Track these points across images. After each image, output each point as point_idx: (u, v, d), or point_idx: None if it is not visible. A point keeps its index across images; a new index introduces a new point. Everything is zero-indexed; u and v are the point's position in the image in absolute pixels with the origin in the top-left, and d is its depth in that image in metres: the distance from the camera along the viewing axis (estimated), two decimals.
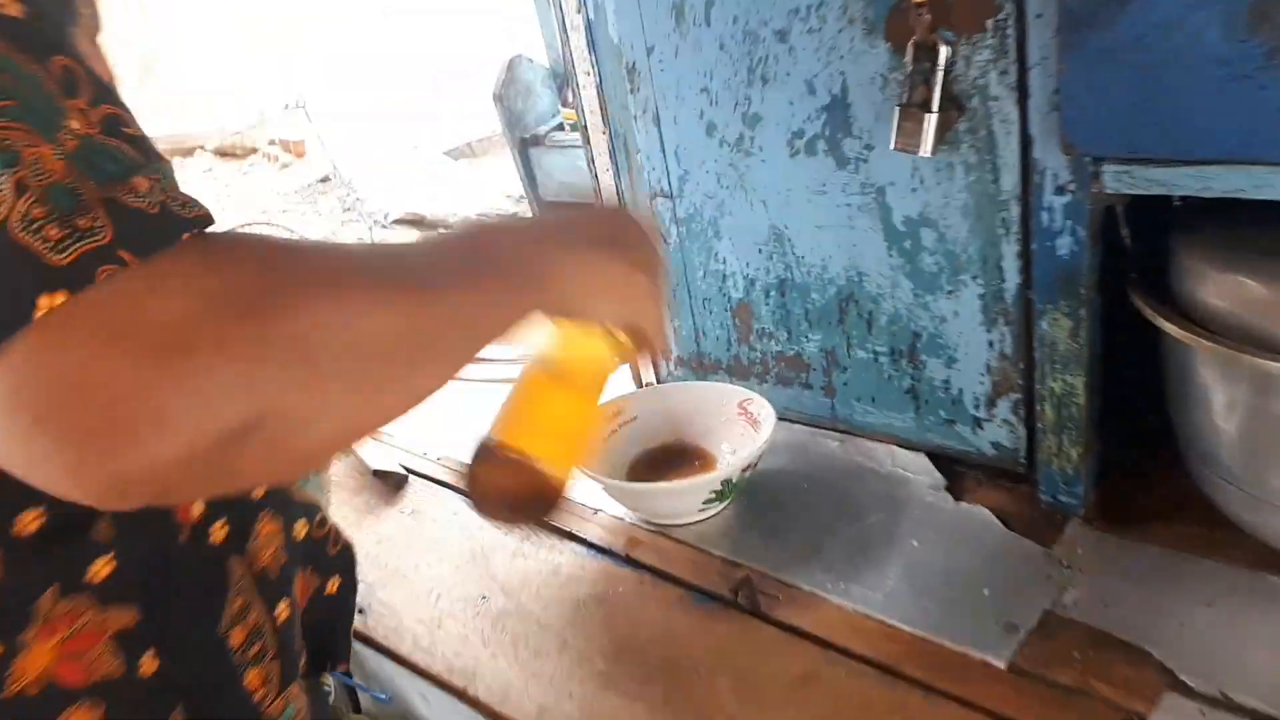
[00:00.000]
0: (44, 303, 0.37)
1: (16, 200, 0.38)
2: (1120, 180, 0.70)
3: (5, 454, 0.40)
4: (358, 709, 1.22)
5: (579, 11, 0.97)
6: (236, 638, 0.63)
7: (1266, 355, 0.65)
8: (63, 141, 0.40)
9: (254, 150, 4.33)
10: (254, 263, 0.43)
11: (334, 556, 0.77)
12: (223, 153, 4.40)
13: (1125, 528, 0.83)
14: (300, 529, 0.72)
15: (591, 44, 0.98)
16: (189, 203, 0.42)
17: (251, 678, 0.64)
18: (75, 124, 0.41)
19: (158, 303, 0.39)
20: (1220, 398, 0.72)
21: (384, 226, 3.41)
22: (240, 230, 0.45)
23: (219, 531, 0.63)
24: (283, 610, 0.67)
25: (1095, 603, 0.76)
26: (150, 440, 0.39)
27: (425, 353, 0.50)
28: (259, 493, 0.66)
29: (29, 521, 0.52)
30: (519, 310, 0.56)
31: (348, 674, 1.10)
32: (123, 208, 0.40)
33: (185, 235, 0.41)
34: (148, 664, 0.59)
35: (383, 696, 1.13)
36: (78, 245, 0.38)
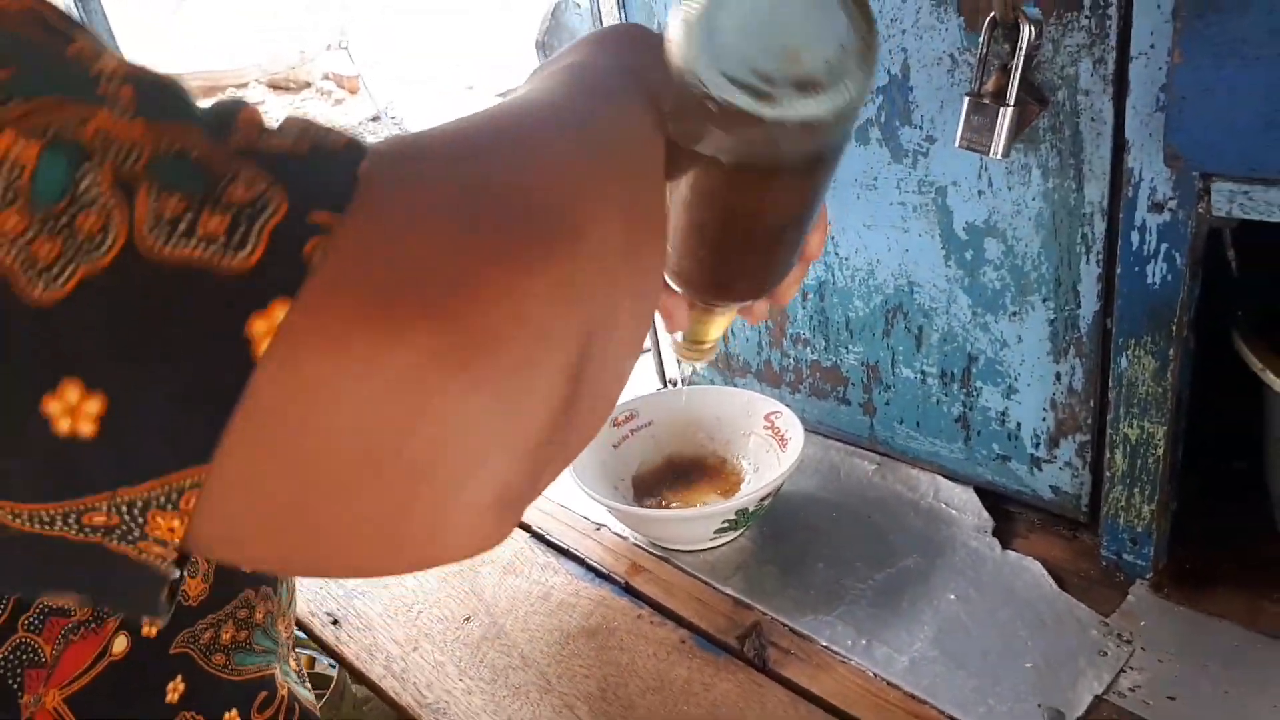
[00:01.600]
0: (260, 327, 0.23)
1: (129, 203, 0.24)
2: (1234, 201, 0.57)
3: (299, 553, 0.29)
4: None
5: None
6: None
7: None
8: (113, 95, 0.25)
9: (308, 84, 4.23)
10: (463, 170, 0.30)
11: None
12: (276, 86, 4.31)
13: (1200, 599, 0.72)
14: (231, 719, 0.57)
15: (621, 1, 0.86)
16: (320, 128, 0.28)
17: None
18: (107, 67, 0.26)
19: (413, 252, 0.26)
20: None
21: None
22: (387, 140, 0.30)
23: None
24: None
25: (1157, 692, 0.65)
26: (519, 423, 0.28)
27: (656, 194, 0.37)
28: (175, 696, 0.53)
29: None
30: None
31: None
32: (266, 155, 0.26)
33: (361, 165, 0.27)
34: None
35: None
36: (258, 227, 0.24)
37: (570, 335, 0.29)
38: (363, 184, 0.26)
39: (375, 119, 3.68)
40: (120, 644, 0.48)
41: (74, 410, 0.23)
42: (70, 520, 0.25)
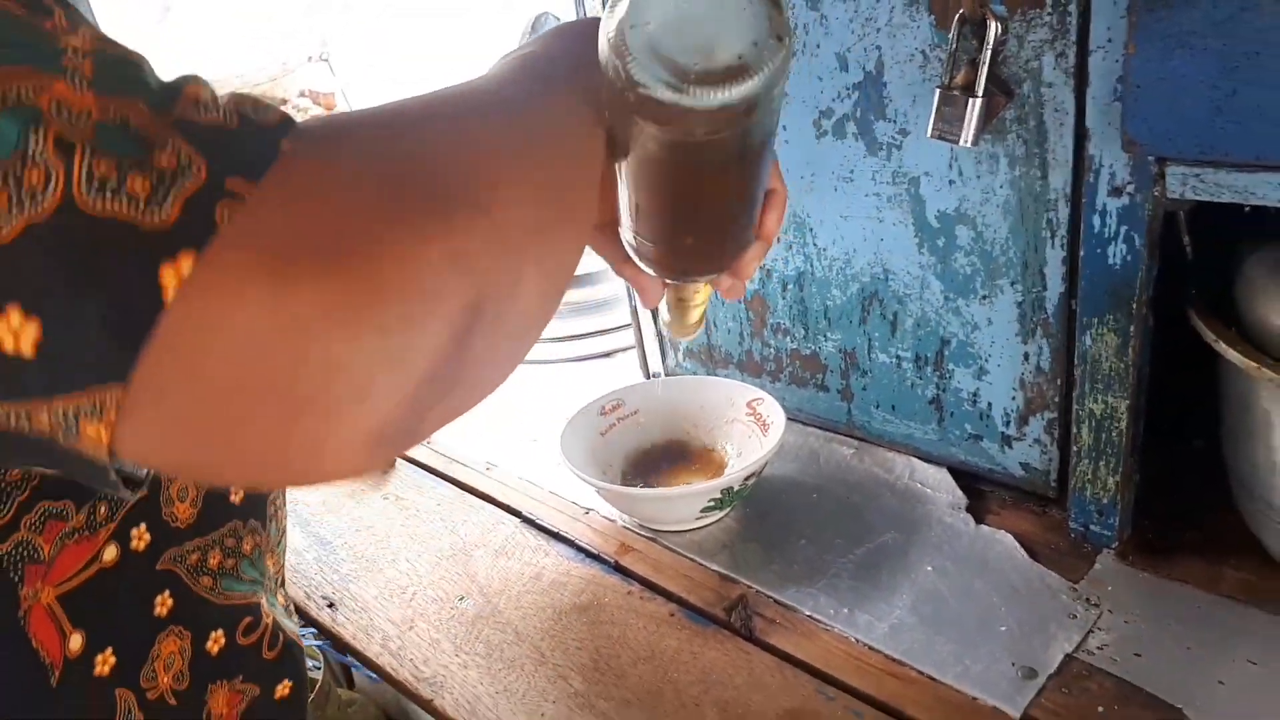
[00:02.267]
0: (169, 277, 0.28)
1: (68, 164, 0.28)
2: (1186, 184, 0.62)
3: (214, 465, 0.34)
4: (351, 684, 1.17)
5: None
6: None
7: None
8: (74, 68, 0.30)
9: (284, 101, 4.23)
10: (381, 149, 0.35)
11: (274, 661, 0.65)
12: None
13: (1162, 566, 0.76)
14: (215, 641, 0.60)
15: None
16: (259, 105, 0.32)
17: None
18: (75, 42, 0.30)
19: (315, 217, 0.30)
20: None
21: None
22: (321, 118, 0.35)
23: (105, 662, 0.53)
24: None
25: (1124, 649, 0.69)
26: (397, 370, 0.32)
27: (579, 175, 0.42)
28: (164, 610, 0.56)
29: None
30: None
31: (341, 650, 1.03)
32: (197, 128, 0.30)
33: (284, 142, 0.31)
34: None
35: (374, 675, 1.08)
36: (174, 192, 0.29)
37: (457, 300, 0.33)
38: (282, 157, 0.31)
39: None
40: (110, 553, 0.52)
41: (16, 333, 0.29)
42: (22, 418, 0.30)
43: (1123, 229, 0.67)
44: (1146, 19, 0.57)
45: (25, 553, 0.48)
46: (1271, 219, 0.65)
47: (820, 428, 0.97)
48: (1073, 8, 0.63)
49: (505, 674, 0.76)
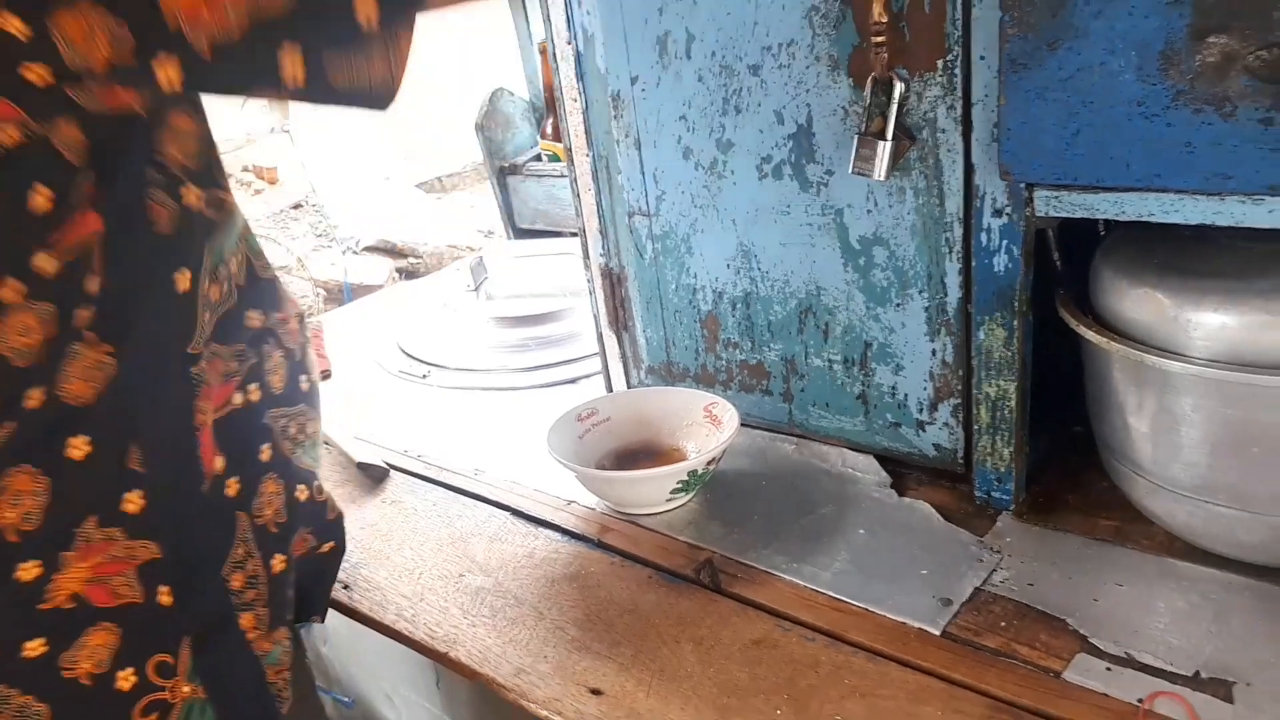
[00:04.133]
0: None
1: None
2: (1049, 204, 0.80)
3: None
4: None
5: (569, 43, 1.06)
6: (236, 582, 0.75)
7: (1168, 356, 0.75)
8: None
9: (231, 176, 4.34)
10: None
11: (330, 522, 0.87)
12: None
13: (1050, 521, 0.92)
14: (301, 493, 0.81)
15: (580, 73, 1.07)
16: None
17: (246, 619, 0.75)
18: None
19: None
20: (1130, 397, 0.81)
21: (355, 253, 3.50)
22: None
23: (232, 487, 0.73)
24: (278, 563, 0.77)
25: (1021, 581, 0.85)
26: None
27: None
28: (265, 456, 0.76)
29: (78, 446, 0.64)
30: None
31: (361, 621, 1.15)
32: None
33: None
34: (164, 596, 0.68)
35: (347, 700, 1.18)
36: None
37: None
38: None
39: (298, 206, 3.85)
40: (238, 398, 0.73)
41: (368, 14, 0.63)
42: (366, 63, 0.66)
43: (1004, 243, 0.84)
44: (1012, 78, 0.76)
45: (198, 382, 0.70)
46: (1122, 230, 0.83)
47: (766, 429, 1.13)
48: (958, 70, 0.82)
49: (510, 629, 0.89)
